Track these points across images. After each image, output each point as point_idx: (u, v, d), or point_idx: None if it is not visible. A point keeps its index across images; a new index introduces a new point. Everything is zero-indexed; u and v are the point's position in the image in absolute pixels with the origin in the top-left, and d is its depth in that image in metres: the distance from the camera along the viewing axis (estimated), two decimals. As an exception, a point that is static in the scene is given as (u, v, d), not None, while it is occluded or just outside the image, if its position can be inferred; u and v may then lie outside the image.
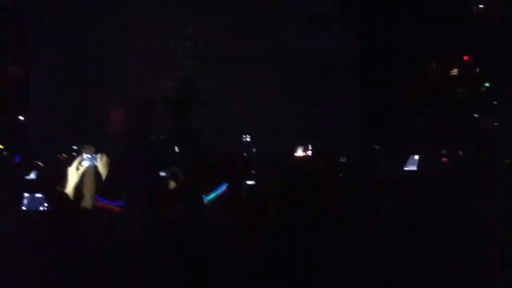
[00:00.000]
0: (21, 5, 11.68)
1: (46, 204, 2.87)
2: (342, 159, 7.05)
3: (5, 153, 8.44)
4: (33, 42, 11.86)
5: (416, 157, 5.11)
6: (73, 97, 11.79)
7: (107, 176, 3.09)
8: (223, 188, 2.56)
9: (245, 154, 8.60)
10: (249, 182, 4.93)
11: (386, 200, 3.25)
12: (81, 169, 3.14)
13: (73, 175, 3.11)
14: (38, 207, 2.85)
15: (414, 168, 5.00)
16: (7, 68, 11.90)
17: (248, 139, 10.19)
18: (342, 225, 2.71)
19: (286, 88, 11.47)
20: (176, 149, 9.13)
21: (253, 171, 4.92)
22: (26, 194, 2.88)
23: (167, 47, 12.09)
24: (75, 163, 3.14)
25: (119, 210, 2.50)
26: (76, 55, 11.73)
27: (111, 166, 2.99)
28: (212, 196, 2.56)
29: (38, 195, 2.88)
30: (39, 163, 6.98)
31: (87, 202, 3.14)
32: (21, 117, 12.22)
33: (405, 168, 5.06)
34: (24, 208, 2.84)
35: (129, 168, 2.91)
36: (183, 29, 12.00)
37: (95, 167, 3.27)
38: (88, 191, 3.20)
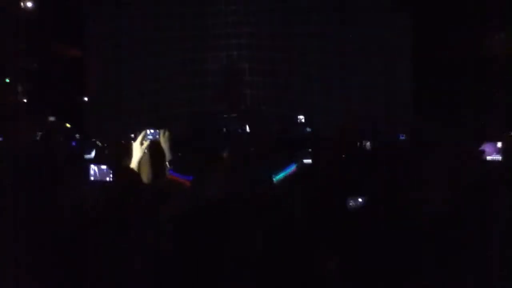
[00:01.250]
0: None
1: (112, 176, 2.98)
2: (402, 136, 6.86)
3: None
4: (89, 23, 12.14)
5: (499, 144, 4.24)
6: (130, 80, 12.04)
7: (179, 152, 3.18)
8: (292, 168, 2.56)
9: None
10: (306, 161, 4.94)
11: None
12: (145, 144, 3.24)
13: (137, 150, 3.22)
14: (105, 178, 2.97)
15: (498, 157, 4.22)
16: (64, 49, 12.27)
17: (303, 120, 10.15)
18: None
19: (342, 69, 11.32)
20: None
21: (309, 150, 4.92)
22: (93, 166, 3.00)
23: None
24: (139, 138, 3.24)
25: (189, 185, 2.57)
26: (132, 37, 11.94)
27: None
28: (281, 175, 2.56)
29: (104, 166, 3.00)
30: (98, 142, 7.25)
31: (147, 178, 3.25)
32: (84, 98, 12.60)
33: (488, 158, 4.24)
34: (92, 178, 2.96)
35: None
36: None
37: (158, 143, 3.38)
38: (150, 165, 3.30)
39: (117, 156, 3.36)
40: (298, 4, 11.43)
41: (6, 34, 10.56)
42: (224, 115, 11.15)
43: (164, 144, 3.38)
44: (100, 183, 2.94)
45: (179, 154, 3.45)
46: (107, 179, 2.95)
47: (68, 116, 10.31)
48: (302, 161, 4.86)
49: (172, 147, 3.37)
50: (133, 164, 3.23)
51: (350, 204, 3.67)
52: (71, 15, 11.54)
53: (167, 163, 3.28)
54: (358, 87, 11.09)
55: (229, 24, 12.11)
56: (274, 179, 2.60)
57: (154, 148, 3.30)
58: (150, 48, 12.02)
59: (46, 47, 11.60)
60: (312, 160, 4.86)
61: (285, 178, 2.55)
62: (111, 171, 2.96)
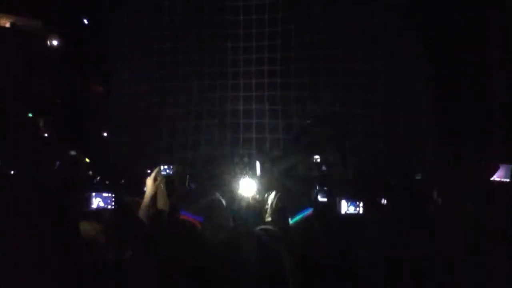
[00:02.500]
0: (101, 25, 12.30)
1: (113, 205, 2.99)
2: (418, 177, 6.72)
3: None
4: (113, 60, 12.40)
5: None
6: (152, 116, 12.12)
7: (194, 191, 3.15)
8: (308, 211, 2.50)
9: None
10: (322, 199, 4.88)
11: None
12: (159, 180, 3.22)
13: (150, 185, 3.21)
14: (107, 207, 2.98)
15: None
16: (89, 85, 12.53)
17: (319, 160, 10.09)
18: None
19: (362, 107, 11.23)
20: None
21: (325, 188, 4.87)
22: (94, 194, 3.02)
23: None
24: (152, 175, 3.23)
25: (200, 225, 2.52)
26: (151, 74, 12.11)
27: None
28: (297, 218, 2.50)
29: (107, 194, 3.01)
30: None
31: (162, 211, 3.22)
32: (104, 134, 12.75)
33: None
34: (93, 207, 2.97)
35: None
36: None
37: (171, 178, 3.37)
38: (164, 201, 3.27)
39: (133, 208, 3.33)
40: (324, 39, 11.42)
41: (31, 69, 10.85)
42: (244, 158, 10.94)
43: (178, 180, 3.37)
44: (102, 211, 2.93)
45: (191, 189, 3.43)
46: (109, 207, 2.94)
47: (88, 151, 10.41)
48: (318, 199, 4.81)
49: (184, 183, 3.36)
50: (146, 200, 3.21)
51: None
52: (95, 52, 11.84)
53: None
54: (377, 124, 11.02)
55: (249, 61, 12.02)
56: (290, 222, 2.55)
57: (167, 184, 3.29)
58: (169, 86, 12.07)
59: (69, 82, 11.87)
60: (327, 199, 4.81)
61: (301, 221, 2.50)
62: (113, 199, 2.95)
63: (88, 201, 2.99)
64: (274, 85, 11.75)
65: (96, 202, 3.19)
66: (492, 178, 4.24)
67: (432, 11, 10.35)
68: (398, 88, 11.05)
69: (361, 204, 3.77)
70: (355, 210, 3.80)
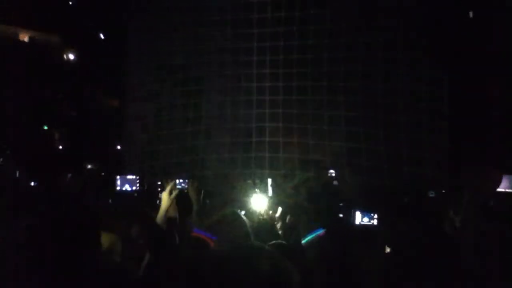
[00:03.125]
0: (118, 40, 12.47)
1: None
2: (431, 194, 6.67)
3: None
4: (129, 73, 12.53)
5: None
6: (165, 130, 12.17)
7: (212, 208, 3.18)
8: (320, 231, 2.50)
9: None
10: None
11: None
12: (174, 193, 3.25)
13: (166, 199, 3.23)
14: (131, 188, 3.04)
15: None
16: (104, 99, 12.67)
17: (334, 174, 10.02)
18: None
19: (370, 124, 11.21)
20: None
21: (341, 204, 4.87)
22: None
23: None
24: (167, 188, 3.26)
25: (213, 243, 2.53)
26: (168, 87, 12.17)
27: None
28: (308, 238, 2.51)
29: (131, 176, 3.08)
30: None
31: (172, 219, 3.24)
32: (118, 147, 12.84)
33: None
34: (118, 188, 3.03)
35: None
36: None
37: (186, 193, 3.39)
38: (177, 215, 3.29)
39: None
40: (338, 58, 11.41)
41: (47, 83, 11.02)
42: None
43: (193, 194, 3.39)
44: (126, 194, 2.97)
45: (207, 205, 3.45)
46: (134, 188, 3.00)
47: (104, 164, 10.51)
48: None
49: (199, 198, 3.37)
50: (161, 213, 3.24)
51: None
52: (111, 66, 11.99)
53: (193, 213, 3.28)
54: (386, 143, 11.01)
55: (263, 76, 11.88)
56: (302, 242, 2.56)
57: (182, 198, 3.31)
58: (186, 100, 12.07)
59: (85, 96, 12.02)
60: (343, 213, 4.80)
61: (313, 241, 2.51)
62: (137, 179, 3.01)
63: (114, 183, 3.05)
64: (289, 102, 11.51)
65: (123, 185, 3.25)
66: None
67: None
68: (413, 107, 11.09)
69: (376, 216, 3.82)
70: (369, 221, 3.87)
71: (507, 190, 4.48)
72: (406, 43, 11.09)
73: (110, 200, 3.59)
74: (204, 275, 1.94)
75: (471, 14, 10.60)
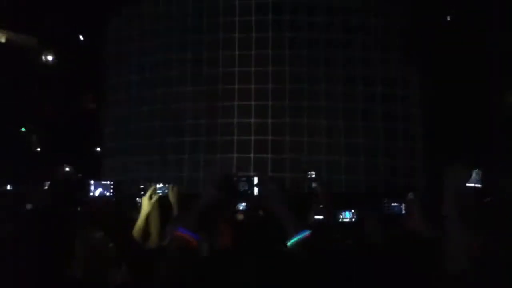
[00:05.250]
0: (97, 41, 12.37)
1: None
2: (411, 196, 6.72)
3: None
4: (108, 76, 12.44)
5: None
6: (144, 133, 12.09)
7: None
8: (306, 233, 2.50)
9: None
10: (317, 217, 4.89)
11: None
12: (154, 198, 3.23)
13: (146, 204, 3.21)
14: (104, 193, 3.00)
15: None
16: (83, 101, 12.54)
17: (314, 175, 10.05)
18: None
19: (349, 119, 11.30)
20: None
21: (321, 206, 4.88)
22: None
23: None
24: (148, 193, 3.24)
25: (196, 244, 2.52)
26: (149, 91, 12.10)
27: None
28: (293, 241, 2.51)
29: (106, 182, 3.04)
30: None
31: (156, 232, 3.22)
32: (97, 149, 12.74)
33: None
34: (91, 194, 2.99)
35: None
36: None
37: (166, 197, 3.38)
38: (157, 221, 3.27)
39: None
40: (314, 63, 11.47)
41: (24, 85, 10.86)
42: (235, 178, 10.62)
43: (173, 199, 3.38)
44: (100, 198, 2.94)
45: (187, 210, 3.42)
46: (107, 193, 2.96)
47: (82, 166, 10.39)
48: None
49: (180, 203, 3.36)
50: (142, 218, 3.21)
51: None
52: (90, 69, 11.89)
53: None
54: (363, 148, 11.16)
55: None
56: (288, 244, 2.56)
57: (162, 203, 3.29)
58: (169, 102, 11.99)
59: (64, 98, 11.87)
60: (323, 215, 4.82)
61: (298, 243, 2.50)
62: (112, 184, 2.97)
63: (88, 189, 3.01)
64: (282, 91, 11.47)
65: (98, 191, 3.20)
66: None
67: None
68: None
69: (355, 212, 4.08)
70: (351, 218, 4.17)
71: (476, 185, 4.60)
72: (382, 44, 11.27)
73: (79, 208, 3.52)
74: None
75: (448, 18, 10.77)
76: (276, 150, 11.21)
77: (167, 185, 3.35)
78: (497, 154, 9.15)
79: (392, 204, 4.76)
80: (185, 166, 11.50)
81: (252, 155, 11.29)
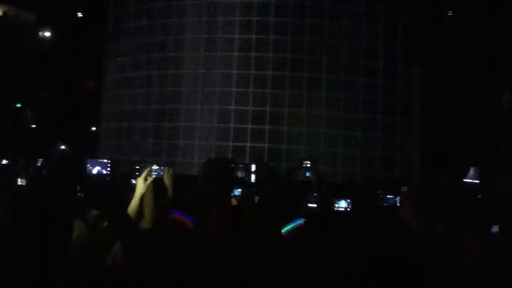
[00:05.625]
0: (97, 20, 12.25)
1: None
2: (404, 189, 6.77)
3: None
4: (108, 55, 12.33)
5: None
6: (141, 114, 12.03)
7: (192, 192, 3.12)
8: (300, 221, 2.50)
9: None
10: (310, 205, 4.89)
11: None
12: (149, 180, 3.20)
13: (140, 185, 3.18)
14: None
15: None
16: (82, 81, 12.47)
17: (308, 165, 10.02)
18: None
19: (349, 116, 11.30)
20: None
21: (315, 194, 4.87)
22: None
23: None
24: (143, 174, 3.21)
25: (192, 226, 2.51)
26: (152, 70, 12.01)
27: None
28: (288, 228, 2.51)
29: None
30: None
31: (149, 214, 3.20)
32: (93, 128, 12.69)
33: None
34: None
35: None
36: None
37: (161, 179, 3.35)
38: (151, 202, 3.24)
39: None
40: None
41: (21, 63, 10.77)
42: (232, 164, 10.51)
43: (168, 181, 3.35)
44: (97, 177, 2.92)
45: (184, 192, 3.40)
46: (104, 171, 2.95)
47: (78, 145, 10.35)
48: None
49: (175, 185, 3.33)
50: (136, 199, 3.18)
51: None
52: (88, 48, 11.79)
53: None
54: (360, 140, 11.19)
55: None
56: (282, 231, 2.56)
57: (157, 185, 3.26)
58: (169, 84, 11.92)
59: (59, 77, 11.78)
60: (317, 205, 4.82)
61: (293, 231, 2.51)
62: (109, 163, 2.96)
63: (85, 168, 2.99)
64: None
65: (96, 169, 3.19)
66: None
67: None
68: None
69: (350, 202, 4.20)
70: (346, 207, 4.45)
71: (473, 181, 4.70)
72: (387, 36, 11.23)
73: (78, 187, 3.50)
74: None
75: (449, 13, 10.73)
76: (273, 140, 11.22)
77: (162, 168, 3.32)
78: (495, 151, 9.21)
79: (388, 196, 4.78)
80: (179, 151, 11.51)
81: (248, 144, 11.29)
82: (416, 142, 11.21)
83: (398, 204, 5.04)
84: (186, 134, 11.53)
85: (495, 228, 3.00)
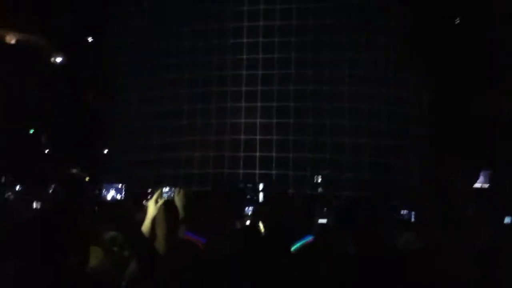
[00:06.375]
0: (104, 40, 12.41)
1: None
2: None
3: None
4: (114, 75, 12.47)
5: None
6: (152, 133, 12.12)
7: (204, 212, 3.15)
8: (309, 238, 2.53)
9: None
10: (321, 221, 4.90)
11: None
12: (160, 202, 3.23)
13: (152, 208, 3.21)
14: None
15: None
16: (89, 101, 12.60)
17: (320, 180, 10.02)
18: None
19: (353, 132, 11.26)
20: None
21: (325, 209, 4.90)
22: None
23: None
24: (154, 197, 3.24)
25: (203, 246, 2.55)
26: (158, 91, 12.13)
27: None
28: (297, 245, 2.54)
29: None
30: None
31: (163, 236, 3.22)
32: (104, 150, 12.78)
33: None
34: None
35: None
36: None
37: (172, 201, 3.38)
38: (164, 225, 3.27)
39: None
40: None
41: (33, 86, 10.92)
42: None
43: (179, 202, 3.37)
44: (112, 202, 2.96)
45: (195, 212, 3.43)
46: (119, 196, 2.99)
47: (90, 168, 10.43)
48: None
49: (186, 206, 3.36)
50: (147, 221, 3.22)
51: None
52: (99, 69, 11.94)
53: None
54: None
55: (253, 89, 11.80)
56: (291, 249, 2.59)
57: (168, 207, 3.29)
58: (176, 104, 12.03)
59: (72, 100, 11.93)
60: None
61: (301, 248, 2.53)
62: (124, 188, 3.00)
63: (101, 193, 3.04)
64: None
65: (111, 194, 3.23)
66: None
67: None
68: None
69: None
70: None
71: (483, 185, 4.69)
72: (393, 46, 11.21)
73: (96, 208, 3.56)
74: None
75: (457, 20, 10.72)
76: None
77: (173, 189, 3.35)
78: (501, 156, 9.12)
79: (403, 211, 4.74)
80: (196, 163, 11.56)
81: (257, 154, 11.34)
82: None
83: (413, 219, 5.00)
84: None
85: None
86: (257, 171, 11.10)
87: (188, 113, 11.92)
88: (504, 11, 9.54)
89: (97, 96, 12.64)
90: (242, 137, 11.53)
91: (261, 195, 6.02)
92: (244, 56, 11.74)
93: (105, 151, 12.82)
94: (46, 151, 11.76)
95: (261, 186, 6.78)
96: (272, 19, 11.61)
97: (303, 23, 11.48)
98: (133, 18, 12.57)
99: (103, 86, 12.44)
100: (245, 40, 11.74)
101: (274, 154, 11.25)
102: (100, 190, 3.14)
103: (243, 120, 11.54)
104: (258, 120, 11.50)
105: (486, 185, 4.63)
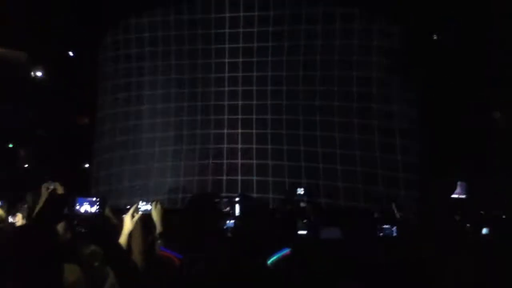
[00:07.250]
0: (91, 56, 12.36)
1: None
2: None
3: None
4: (101, 91, 12.40)
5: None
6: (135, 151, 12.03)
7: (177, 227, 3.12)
8: (285, 251, 2.51)
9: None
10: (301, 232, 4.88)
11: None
12: (136, 216, 3.20)
13: (128, 222, 3.18)
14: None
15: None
16: (75, 117, 12.50)
17: (302, 192, 9.95)
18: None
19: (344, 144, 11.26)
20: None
21: (304, 221, 4.88)
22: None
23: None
24: (130, 211, 3.21)
25: (179, 262, 2.50)
26: (140, 106, 12.08)
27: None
28: (273, 259, 2.51)
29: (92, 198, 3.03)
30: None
31: (139, 251, 3.18)
32: (86, 165, 12.67)
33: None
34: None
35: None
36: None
37: (149, 215, 3.34)
38: (140, 240, 3.23)
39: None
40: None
41: (13, 100, 10.80)
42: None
43: (156, 217, 3.34)
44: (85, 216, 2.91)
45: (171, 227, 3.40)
46: (92, 210, 2.94)
47: (71, 183, 10.26)
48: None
49: (163, 220, 3.33)
50: (124, 236, 3.18)
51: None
52: (80, 85, 11.86)
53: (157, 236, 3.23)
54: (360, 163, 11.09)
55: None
56: (267, 262, 2.56)
57: (145, 221, 3.26)
58: (159, 119, 11.99)
59: (53, 114, 11.81)
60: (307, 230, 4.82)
61: (278, 261, 2.51)
62: (98, 201, 2.95)
63: (73, 206, 2.98)
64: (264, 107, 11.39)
65: (84, 208, 3.18)
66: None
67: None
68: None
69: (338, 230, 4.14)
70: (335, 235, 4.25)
71: (460, 196, 4.72)
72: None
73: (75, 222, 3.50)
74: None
75: (435, 36, 10.86)
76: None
77: (150, 203, 3.32)
78: (489, 168, 9.18)
79: (384, 226, 4.73)
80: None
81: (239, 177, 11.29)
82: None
83: (394, 234, 4.99)
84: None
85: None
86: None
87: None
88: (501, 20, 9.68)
89: (78, 111, 12.56)
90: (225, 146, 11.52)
91: (238, 208, 5.96)
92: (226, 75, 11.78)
93: (86, 165, 12.70)
94: (25, 165, 11.62)
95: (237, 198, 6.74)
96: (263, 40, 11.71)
97: (294, 44, 11.56)
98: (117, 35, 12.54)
99: (84, 101, 12.34)
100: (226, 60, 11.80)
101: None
102: (74, 204, 3.07)
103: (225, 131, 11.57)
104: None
105: (463, 196, 4.68)
